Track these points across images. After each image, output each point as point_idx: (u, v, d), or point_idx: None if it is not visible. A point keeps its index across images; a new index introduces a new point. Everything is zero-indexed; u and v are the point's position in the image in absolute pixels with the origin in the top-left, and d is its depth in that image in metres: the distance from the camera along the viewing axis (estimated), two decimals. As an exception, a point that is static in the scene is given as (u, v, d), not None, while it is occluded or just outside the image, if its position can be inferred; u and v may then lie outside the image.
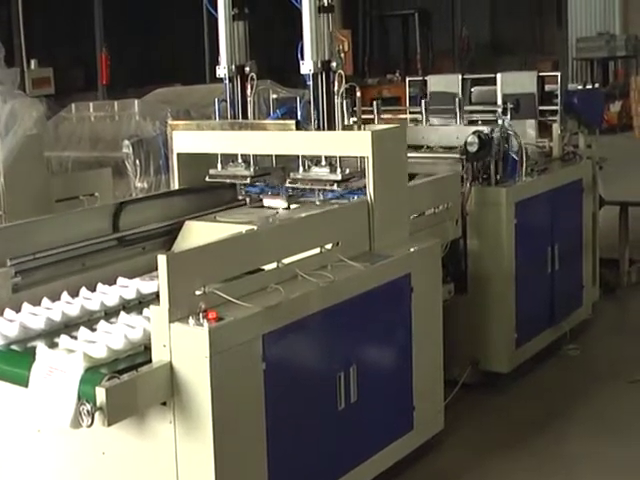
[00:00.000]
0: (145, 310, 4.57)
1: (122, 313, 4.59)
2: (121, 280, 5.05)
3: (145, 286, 4.94)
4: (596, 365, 6.90)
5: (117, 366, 3.99)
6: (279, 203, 5.85)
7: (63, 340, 4.26)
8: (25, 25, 15.31)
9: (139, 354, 4.15)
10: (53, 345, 4.26)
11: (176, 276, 4.01)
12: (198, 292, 4.11)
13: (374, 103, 7.10)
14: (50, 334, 4.48)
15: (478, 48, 27.18)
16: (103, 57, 17.64)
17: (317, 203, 5.59)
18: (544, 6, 29.93)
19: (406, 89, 8.75)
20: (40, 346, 4.19)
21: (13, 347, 4.33)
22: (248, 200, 6.10)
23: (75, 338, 4.28)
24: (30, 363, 4.05)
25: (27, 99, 6.95)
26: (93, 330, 4.39)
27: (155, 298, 4.63)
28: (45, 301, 4.76)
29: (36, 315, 4.56)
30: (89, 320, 4.69)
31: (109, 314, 4.77)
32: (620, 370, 6.70)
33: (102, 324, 4.46)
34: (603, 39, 25.82)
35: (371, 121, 6.90)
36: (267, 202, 5.94)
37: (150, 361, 4.04)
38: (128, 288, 4.93)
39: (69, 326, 4.58)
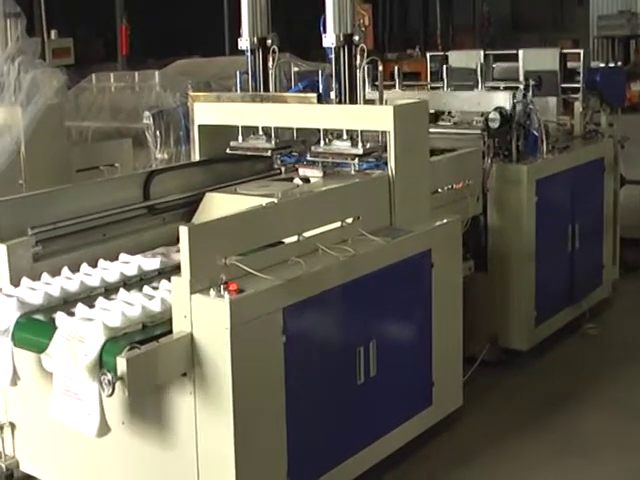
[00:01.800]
0: (145, 287, 4.57)
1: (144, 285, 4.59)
2: (127, 257, 5.03)
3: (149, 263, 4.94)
4: (615, 344, 6.88)
5: (138, 337, 3.99)
6: (315, 173, 5.81)
7: (81, 310, 4.27)
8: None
9: (159, 325, 4.14)
10: (71, 315, 4.26)
11: (198, 247, 4.01)
12: (219, 264, 4.10)
13: (395, 70, 7.11)
14: (67, 304, 4.48)
15: (498, 25, 27.05)
16: (123, 28, 17.60)
17: (352, 173, 5.54)
18: (565, -17, 29.77)
19: (427, 64, 8.70)
20: (60, 315, 4.19)
21: (35, 316, 4.32)
22: (283, 169, 6.06)
23: (93, 307, 4.30)
24: (52, 332, 4.05)
25: (48, 69, 6.96)
26: (110, 300, 4.40)
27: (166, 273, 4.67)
28: (65, 271, 4.76)
29: (51, 285, 4.57)
30: (106, 290, 4.69)
31: (127, 285, 4.76)
32: (638, 350, 6.67)
33: (122, 293, 4.47)
34: (624, 17, 25.61)
35: (391, 87, 6.91)
36: (303, 172, 5.90)
37: (170, 332, 4.04)
38: (147, 260, 4.93)
39: (87, 297, 4.58)
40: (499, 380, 6.16)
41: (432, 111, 6.48)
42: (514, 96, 6.37)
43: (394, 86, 7.09)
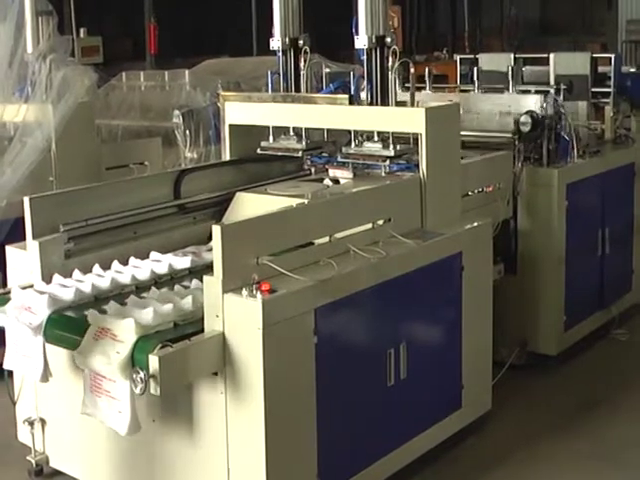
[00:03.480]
0: (177, 286, 4.57)
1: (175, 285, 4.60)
2: (158, 255, 5.04)
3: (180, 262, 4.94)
4: (644, 350, 6.84)
5: (170, 335, 4.00)
6: (345, 174, 5.80)
7: (113, 307, 4.29)
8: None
9: (190, 324, 4.15)
10: (102, 312, 4.27)
11: (230, 247, 4.01)
12: (251, 263, 4.10)
13: (426, 72, 7.09)
14: (99, 301, 4.49)
15: (526, 28, 26.94)
16: (151, 27, 17.65)
17: (383, 175, 5.53)
18: (594, -13, 29.62)
19: (456, 67, 8.68)
20: (92, 312, 4.21)
21: (67, 313, 4.34)
22: (313, 170, 6.06)
23: (125, 305, 4.31)
24: (84, 329, 4.06)
25: (79, 67, 6.98)
26: (141, 299, 4.41)
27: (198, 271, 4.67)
28: (96, 268, 4.77)
29: (83, 282, 4.58)
30: (137, 288, 4.71)
31: (158, 283, 4.78)
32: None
33: (153, 291, 4.49)
34: (654, 22, 25.46)
35: (422, 89, 6.90)
36: (333, 173, 5.89)
37: (202, 331, 4.04)
38: (178, 259, 4.94)
39: (118, 294, 4.60)
40: (528, 384, 6.13)
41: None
42: (545, 99, 6.35)
43: (424, 88, 7.07)
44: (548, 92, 6.54)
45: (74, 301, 4.40)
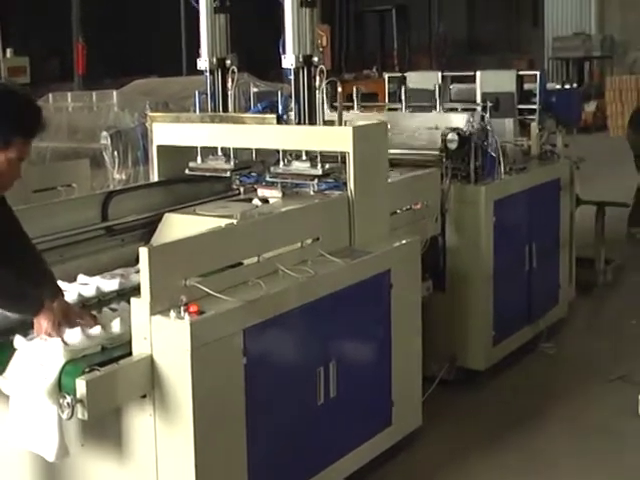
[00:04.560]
0: (104, 309, 4.54)
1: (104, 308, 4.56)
2: (85, 278, 5.00)
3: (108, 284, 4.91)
4: (572, 363, 6.92)
5: (97, 359, 3.97)
6: (274, 193, 5.81)
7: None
8: (0, 13, 15.20)
9: (118, 347, 4.12)
10: (29, 337, 4.21)
11: (158, 268, 3.99)
12: (179, 285, 4.09)
13: (354, 90, 7.12)
14: (25, 325, 4.41)
15: (454, 45, 27.25)
16: (79, 47, 17.50)
17: (311, 194, 5.55)
18: (520, 5, 30.10)
19: (385, 85, 8.74)
20: (18, 337, 4.16)
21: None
22: (242, 190, 6.06)
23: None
24: (9, 354, 4.01)
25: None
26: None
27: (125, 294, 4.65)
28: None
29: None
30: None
31: (86, 306, 4.74)
32: (595, 369, 6.73)
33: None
34: (579, 39, 25.89)
35: (350, 108, 6.93)
36: (262, 192, 5.89)
37: (130, 354, 4.02)
38: (106, 282, 4.90)
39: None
40: (457, 399, 6.18)
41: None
42: (472, 117, 6.42)
43: (352, 107, 7.11)
44: (475, 110, 6.62)
45: (-1, 326, 4.35)
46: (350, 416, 4.93)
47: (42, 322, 4.05)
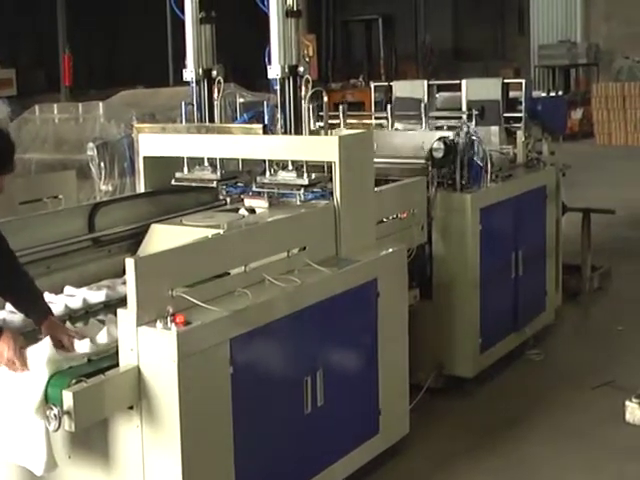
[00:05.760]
0: (91, 320, 4.55)
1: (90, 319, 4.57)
2: (72, 290, 5.00)
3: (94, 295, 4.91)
4: (558, 370, 6.94)
5: (84, 370, 3.97)
6: (260, 203, 5.82)
7: (26, 343, 4.23)
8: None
9: (105, 358, 4.12)
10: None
11: (144, 279, 3.99)
12: (166, 296, 4.10)
13: (340, 107, 7.08)
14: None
15: (440, 54, 27.32)
16: (66, 58, 17.49)
17: (298, 203, 5.57)
18: (506, 13, 30.17)
19: (371, 94, 8.77)
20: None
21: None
22: (229, 200, 6.07)
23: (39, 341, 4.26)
24: (-4, 366, 4.01)
25: (-10, 100, 6.91)
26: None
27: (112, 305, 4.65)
28: (9, 304, 4.71)
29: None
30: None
31: (73, 318, 4.74)
32: (582, 375, 6.75)
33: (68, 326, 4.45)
34: (565, 47, 25.99)
35: (337, 125, 6.90)
36: (248, 202, 5.90)
37: (117, 365, 4.02)
38: (92, 293, 4.90)
39: (32, 330, 4.53)
40: (445, 407, 6.19)
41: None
42: (457, 135, 6.40)
43: (339, 125, 6.92)
44: (461, 124, 6.63)
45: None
46: (337, 425, 4.94)
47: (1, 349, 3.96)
